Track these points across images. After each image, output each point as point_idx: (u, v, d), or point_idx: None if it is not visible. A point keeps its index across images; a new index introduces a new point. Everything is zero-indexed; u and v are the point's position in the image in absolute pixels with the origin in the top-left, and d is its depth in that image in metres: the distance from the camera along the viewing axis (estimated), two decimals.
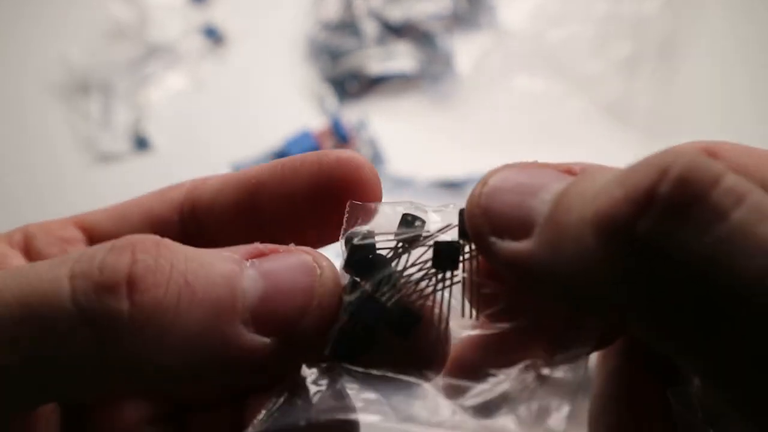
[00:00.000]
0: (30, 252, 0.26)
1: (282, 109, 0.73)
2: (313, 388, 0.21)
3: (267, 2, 0.82)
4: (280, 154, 0.68)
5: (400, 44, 0.75)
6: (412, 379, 0.21)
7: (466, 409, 0.20)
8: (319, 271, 0.21)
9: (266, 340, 0.20)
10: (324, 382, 0.21)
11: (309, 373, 0.21)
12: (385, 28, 0.76)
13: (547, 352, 0.20)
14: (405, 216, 0.22)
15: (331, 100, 0.73)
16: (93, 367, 0.19)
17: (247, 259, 0.21)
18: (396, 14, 0.76)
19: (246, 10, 0.81)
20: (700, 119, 0.72)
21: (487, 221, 0.20)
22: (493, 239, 0.19)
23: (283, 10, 0.81)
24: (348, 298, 0.21)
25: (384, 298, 0.21)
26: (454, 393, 0.21)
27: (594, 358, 0.25)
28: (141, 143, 0.71)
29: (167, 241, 0.21)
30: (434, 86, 0.74)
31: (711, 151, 0.23)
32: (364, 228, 0.22)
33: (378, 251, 0.22)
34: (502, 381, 0.20)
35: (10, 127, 0.73)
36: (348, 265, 0.22)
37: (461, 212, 0.22)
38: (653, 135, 0.70)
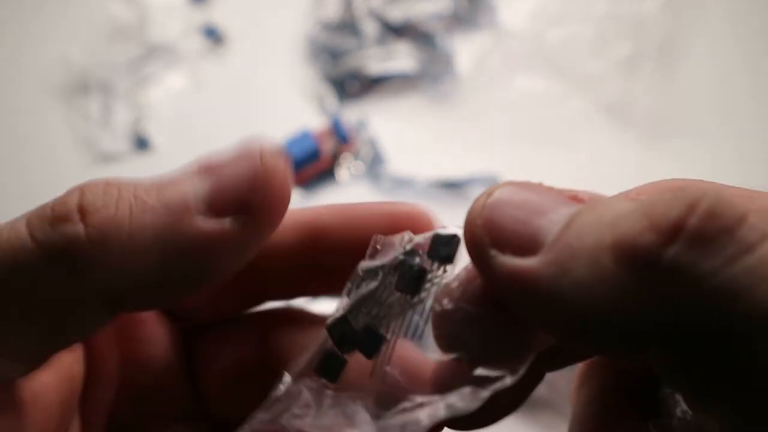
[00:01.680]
0: None
1: (282, 109, 0.73)
2: (278, 393, 0.22)
3: (267, 2, 0.82)
4: None
5: (400, 44, 0.75)
6: (357, 399, 0.22)
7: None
8: (259, 153, 0.22)
9: (224, 220, 0.21)
10: (283, 389, 0.22)
11: (284, 381, 0.22)
12: (385, 28, 0.76)
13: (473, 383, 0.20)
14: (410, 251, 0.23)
15: (331, 100, 0.73)
16: (68, 298, 0.20)
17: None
18: (396, 14, 0.76)
19: (246, 10, 0.81)
20: (700, 119, 0.72)
21: (489, 233, 0.19)
22: (494, 252, 0.19)
23: (283, 10, 0.81)
24: (328, 320, 0.23)
25: (355, 320, 0.22)
26: (377, 412, 0.21)
27: (569, 388, 0.25)
28: (141, 143, 0.71)
29: (116, 178, 0.22)
30: (434, 86, 0.74)
31: None
32: (376, 262, 0.23)
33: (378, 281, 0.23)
34: (416, 407, 0.21)
35: (9, 127, 0.73)
36: (345, 293, 0.23)
37: (434, 236, 0.22)
38: (653, 135, 0.70)
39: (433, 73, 0.74)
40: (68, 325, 0.21)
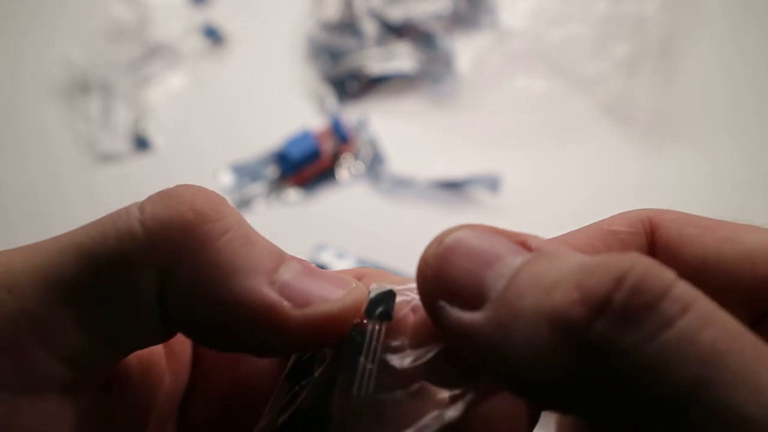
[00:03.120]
0: None
1: (282, 109, 0.73)
2: None
3: (267, 2, 0.82)
4: (280, 154, 0.68)
5: (400, 44, 0.75)
6: None
7: None
8: (354, 284, 0.22)
9: (285, 302, 0.21)
10: None
11: None
12: (385, 28, 0.76)
13: None
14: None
15: (331, 100, 0.73)
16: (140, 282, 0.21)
17: None
18: (396, 14, 0.76)
19: (246, 11, 0.81)
20: (700, 119, 0.72)
21: (438, 284, 0.20)
22: (442, 303, 0.20)
23: (283, 10, 0.81)
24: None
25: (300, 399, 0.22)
26: None
27: None
28: (141, 143, 0.71)
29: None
30: (434, 86, 0.74)
31: (654, 222, 0.24)
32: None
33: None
34: None
35: (9, 127, 0.73)
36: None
37: (369, 296, 0.22)
38: (653, 135, 0.70)
39: (433, 73, 0.74)
40: (124, 322, 0.21)
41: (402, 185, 0.67)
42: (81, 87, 0.74)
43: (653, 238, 0.24)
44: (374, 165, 0.69)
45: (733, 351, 0.17)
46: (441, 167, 0.67)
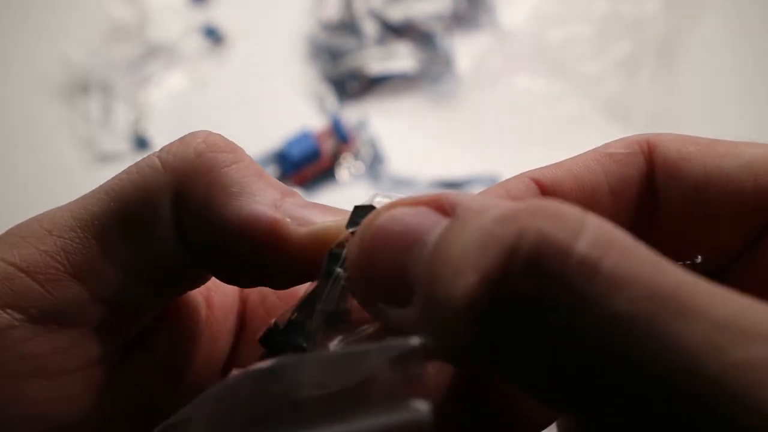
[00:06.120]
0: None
1: (282, 109, 0.73)
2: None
3: (267, 2, 0.82)
4: (280, 154, 0.68)
5: (400, 44, 0.75)
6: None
7: None
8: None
9: (288, 219, 0.22)
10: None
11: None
12: (385, 28, 0.76)
13: None
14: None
15: (331, 100, 0.73)
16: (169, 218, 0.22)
17: None
18: (396, 14, 0.76)
19: (246, 10, 0.81)
20: (700, 119, 0.72)
21: (369, 285, 0.19)
22: (381, 306, 0.18)
23: (283, 10, 0.81)
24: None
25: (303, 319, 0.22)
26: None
27: None
28: (141, 143, 0.71)
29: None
30: (434, 86, 0.74)
31: (651, 143, 0.23)
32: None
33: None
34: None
35: (9, 127, 0.73)
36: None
37: (354, 208, 0.22)
38: None
39: (433, 73, 0.74)
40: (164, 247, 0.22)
41: (402, 185, 0.67)
42: (81, 87, 0.74)
43: (651, 158, 0.23)
44: (374, 165, 0.69)
45: (650, 314, 0.14)
46: (441, 167, 0.67)
